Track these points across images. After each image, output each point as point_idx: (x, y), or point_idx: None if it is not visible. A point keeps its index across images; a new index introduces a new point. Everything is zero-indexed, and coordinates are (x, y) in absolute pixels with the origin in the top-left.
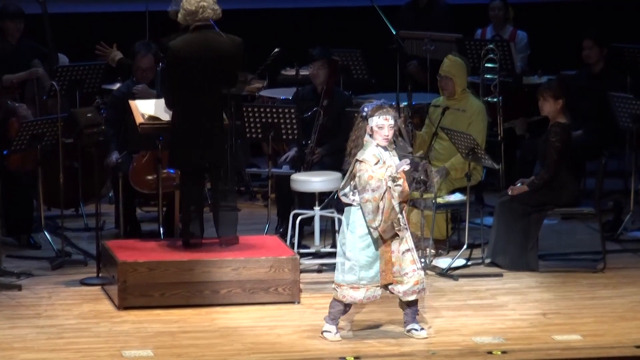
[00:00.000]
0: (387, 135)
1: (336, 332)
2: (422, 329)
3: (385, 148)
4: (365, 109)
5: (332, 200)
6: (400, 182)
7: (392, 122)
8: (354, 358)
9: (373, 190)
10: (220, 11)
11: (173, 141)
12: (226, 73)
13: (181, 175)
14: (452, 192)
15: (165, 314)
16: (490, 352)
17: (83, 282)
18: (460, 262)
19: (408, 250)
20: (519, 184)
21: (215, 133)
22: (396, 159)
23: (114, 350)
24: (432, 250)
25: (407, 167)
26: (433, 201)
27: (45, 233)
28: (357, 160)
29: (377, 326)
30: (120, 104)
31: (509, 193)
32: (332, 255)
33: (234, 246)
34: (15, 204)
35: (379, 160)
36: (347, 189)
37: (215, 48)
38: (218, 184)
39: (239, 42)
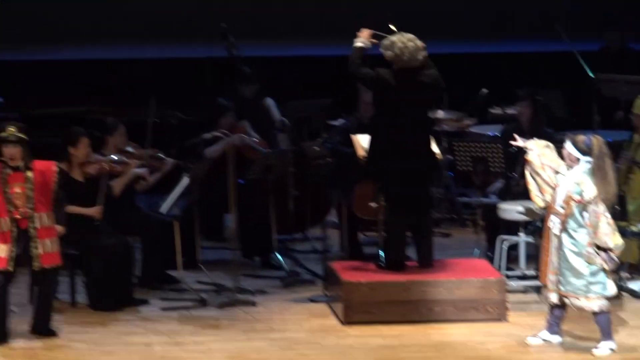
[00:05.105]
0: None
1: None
2: (610, 348)
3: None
4: (587, 142)
5: (536, 227)
6: None
7: None
8: None
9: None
10: (424, 58)
11: (376, 169)
12: (427, 105)
13: (387, 202)
14: None
15: (386, 329)
16: None
17: (311, 299)
18: None
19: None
20: None
21: (422, 163)
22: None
23: None
24: (627, 274)
25: None
26: (627, 229)
27: (277, 255)
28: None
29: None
30: (344, 134)
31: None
32: (536, 277)
33: (432, 269)
34: (253, 229)
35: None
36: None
37: (421, 82)
38: (424, 212)
39: (437, 76)
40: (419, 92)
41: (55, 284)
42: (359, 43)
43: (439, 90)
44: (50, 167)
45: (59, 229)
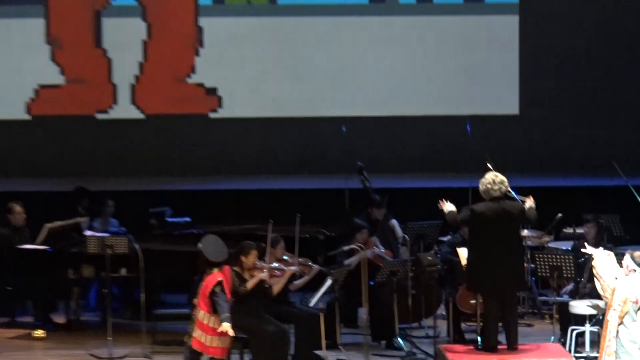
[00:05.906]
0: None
1: None
2: None
3: None
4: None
5: (598, 320)
6: None
7: None
8: None
9: None
10: (504, 189)
11: (471, 272)
12: (513, 227)
13: (483, 299)
14: None
15: None
16: None
17: None
18: None
19: None
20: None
21: (506, 270)
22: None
23: None
24: None
25: None
26: None
27: (399, 339)
28: None
29: None
30: (451, 247)
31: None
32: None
33: (518, 351)
34: (380, 319)
35: None
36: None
37: (505, 210)
38: (509, 306)
39: (521, 207)
40: (506, 216)
41: None
42: (448, 208)
43: (522, 217)
44: (215, 277)
45: (224, 327)
